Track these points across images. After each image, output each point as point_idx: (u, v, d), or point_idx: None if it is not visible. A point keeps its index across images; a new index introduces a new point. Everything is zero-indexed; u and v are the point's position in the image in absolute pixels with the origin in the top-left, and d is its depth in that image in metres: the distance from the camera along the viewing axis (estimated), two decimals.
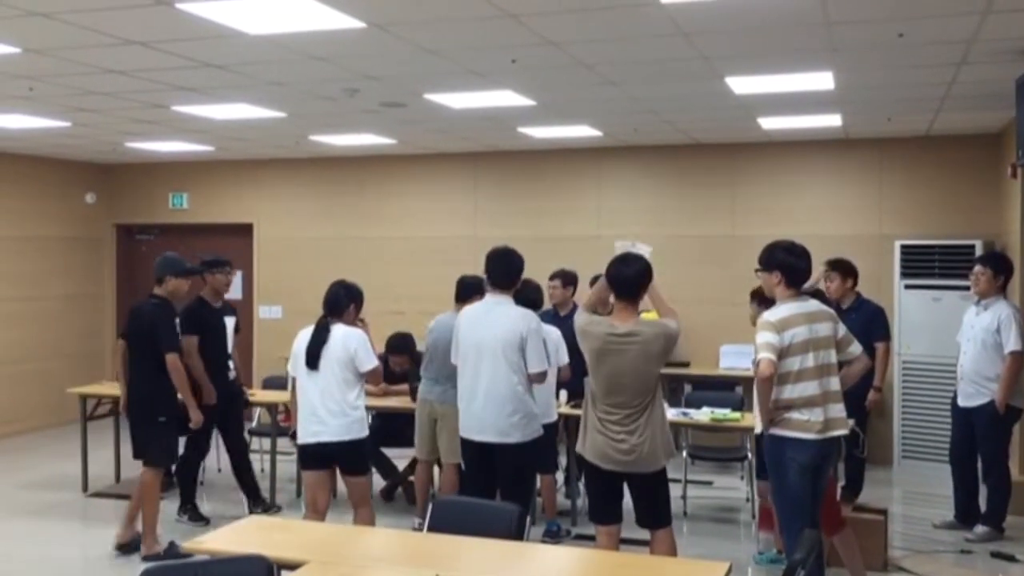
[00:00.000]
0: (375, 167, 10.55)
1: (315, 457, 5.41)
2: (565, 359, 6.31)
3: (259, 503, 7.16)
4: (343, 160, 10.58)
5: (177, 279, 6.20)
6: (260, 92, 6.66)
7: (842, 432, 4.79)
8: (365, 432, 5.44)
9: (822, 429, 4.65)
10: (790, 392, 4.66)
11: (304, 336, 5.46)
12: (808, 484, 4.69)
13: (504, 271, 5.39)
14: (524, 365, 5.23)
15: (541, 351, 5.26)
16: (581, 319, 4.79)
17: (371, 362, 5.39)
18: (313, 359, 5.31)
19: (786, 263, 4.77)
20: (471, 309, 5.53)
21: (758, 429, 5.25)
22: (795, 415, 4.65)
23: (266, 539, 3.93)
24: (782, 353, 4.61)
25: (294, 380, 5.54)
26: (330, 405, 5.30)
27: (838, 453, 5.04)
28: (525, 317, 5.30)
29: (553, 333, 6.25)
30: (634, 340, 4.59)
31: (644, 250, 4.88)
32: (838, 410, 4.73)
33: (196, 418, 6.36)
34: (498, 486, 5.31)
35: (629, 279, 4.67)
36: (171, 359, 6.09)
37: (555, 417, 6.43)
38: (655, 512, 4.79)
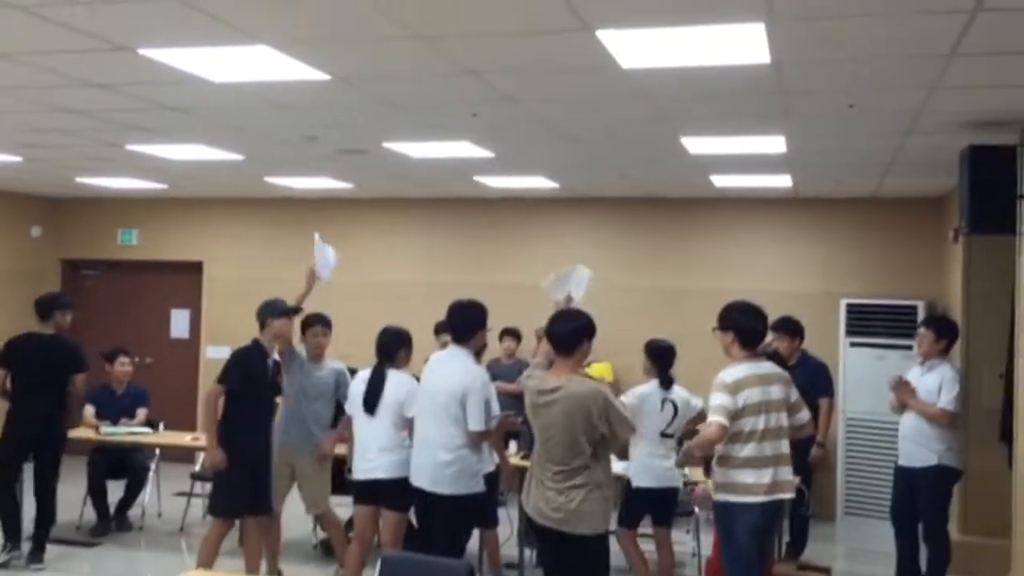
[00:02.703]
0: (331, 210, 10.51)
1: (366, 492, 5.77)
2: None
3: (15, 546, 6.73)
4: (298, 202, 10.55)
5: (278, 320, 6.01)
6: (218, 135, 6.65)
7: (789, 495, 4.86)
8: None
9: (769, 491, 4.71)
10: (740, 451, 4.72)
11: (361, 380, 5.84)
12: (756, 545, 4.74)
13: (460, 325, 5.41)
14: (464, 420, 5.21)
15: (480, 410, 5.18)
16: (524, 374, 4.82)
17: (413, 411, 5.60)
18: (371, 405, 5.70)
19: (740, 324, 4.86)
20: (434, 358, 5.58)
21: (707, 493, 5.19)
22: (744, 478, 4.71)
23: None
24: (735, 415, 4.68)
25: (350, 419, 5.95)
26: (383, 444, 5.66)
27: (784, 513, 5.10)
28: (471, 373, 5.28)
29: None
30: (557, 395, 4.45)
31: (583, 275, 4.94)
32: (786, 472, 4.80)
33: (212, 461, 5.88)
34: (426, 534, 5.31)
35: (563, 336, 4.58)
36: (211, 390, 5.89)
37: (491, 467, 6.24)
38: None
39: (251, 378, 5.89)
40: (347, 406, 6.00)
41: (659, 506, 6.16)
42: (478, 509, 5.51)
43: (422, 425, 5.38)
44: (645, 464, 6.04)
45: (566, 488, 4.44)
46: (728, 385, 4.71)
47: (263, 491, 6.01)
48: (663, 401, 6.06)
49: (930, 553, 6.50)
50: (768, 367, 4.88)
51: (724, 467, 4.76)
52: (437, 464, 5.24)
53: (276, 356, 6.16)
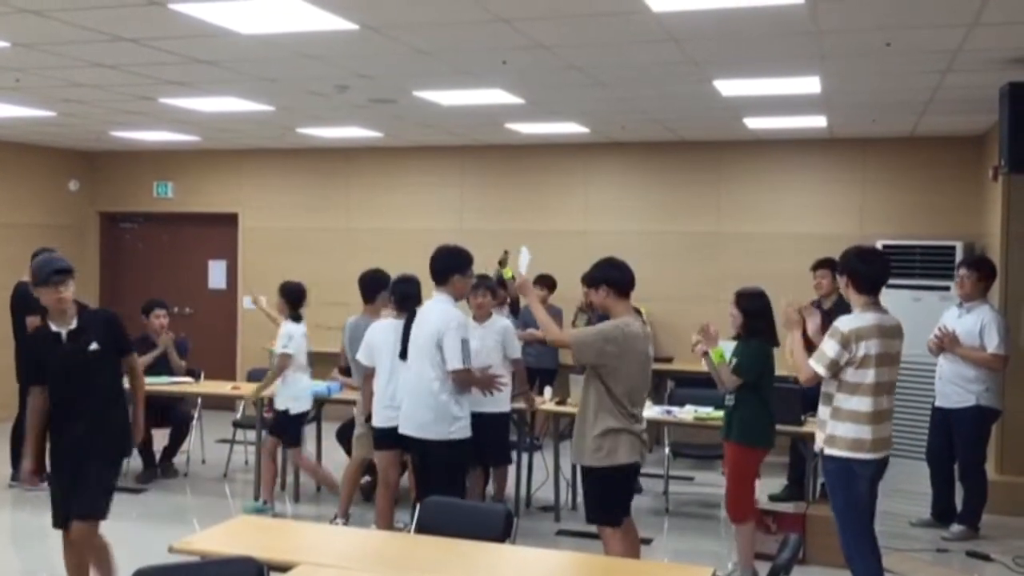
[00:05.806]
0: (362, 159, 10.54)
1: (388, 438, 5.82)
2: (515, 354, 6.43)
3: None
4: (330, 151, 10.57)
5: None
6: (250, 87, 6.66)
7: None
8: None
9: (885, 446, 4.69)
10: (857, 404, 4.60)
11: (380, 330, 5.97)
12: (868, 493, 4.75)
13: (436, 269, 5.43)
14: (443, 363, 5.24)
15: (457, 348, 5.20)
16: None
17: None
18: (405, 351, 5.65)
19: (855, 269, 4.71)
20: (422, 307, 5.63)
21: (819, 445, 4.88)
22: (867, 434, 4.62)
23: (256, 540, 3.96)
24: (854, 363, 4.57)
25: (370, 370, 6.01)
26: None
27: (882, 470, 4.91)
28: (447, 314, 5.29)
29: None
30: None
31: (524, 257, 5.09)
32: (890, 429, 4.76)
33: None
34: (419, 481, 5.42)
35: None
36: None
37: (506, 408, 6.35)
38: None
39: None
40: (362, 357, 6.08)
41: None
42: (469, 453, 5.52)
43: (407, 373, 5.45)
44: None
45: None
46: (844, 335, 4.56)
47: None
48: None
49: (966, 492, 6.52)
50: (892, 320, 4.71)
51: (845, 421, 4.63)
52: (417, 409, 5.30)
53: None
